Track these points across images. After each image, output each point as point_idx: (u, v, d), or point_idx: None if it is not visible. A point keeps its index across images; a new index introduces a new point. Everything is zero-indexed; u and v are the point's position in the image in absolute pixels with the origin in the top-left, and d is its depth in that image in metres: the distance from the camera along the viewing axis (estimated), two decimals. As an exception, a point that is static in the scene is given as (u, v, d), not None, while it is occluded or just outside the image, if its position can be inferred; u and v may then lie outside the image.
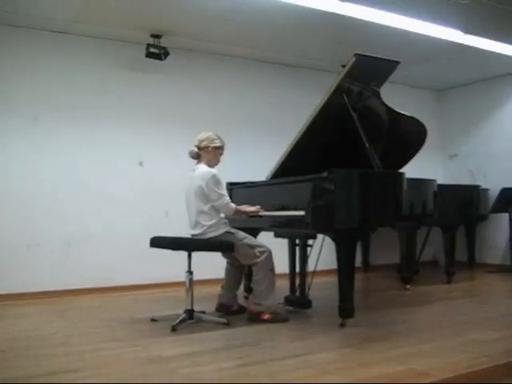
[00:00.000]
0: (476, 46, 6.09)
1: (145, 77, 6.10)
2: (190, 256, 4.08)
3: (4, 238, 5.31)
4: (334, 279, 3.93)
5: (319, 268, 4.55)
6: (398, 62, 4.22)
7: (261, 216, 4.34)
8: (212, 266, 4.86)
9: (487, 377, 2.91)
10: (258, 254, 4.14)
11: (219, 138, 4.33)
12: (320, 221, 3.72)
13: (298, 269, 4.72)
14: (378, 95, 4.39)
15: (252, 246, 4.17)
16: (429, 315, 4.55)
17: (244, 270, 4.66)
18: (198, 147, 4.29)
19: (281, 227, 4.48)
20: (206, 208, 4.13)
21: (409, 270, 5.92)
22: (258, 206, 4.33)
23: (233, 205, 4.20)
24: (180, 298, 4.26)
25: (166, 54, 5.82)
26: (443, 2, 4.98)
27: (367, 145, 4.14)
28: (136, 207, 5.95)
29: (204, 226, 4.13)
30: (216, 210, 4.15)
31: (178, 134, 6.09)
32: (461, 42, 5.93)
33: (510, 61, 6.71)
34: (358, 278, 4.90)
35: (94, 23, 5.51)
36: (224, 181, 4.32)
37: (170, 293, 5.42)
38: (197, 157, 4.32)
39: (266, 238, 4.63)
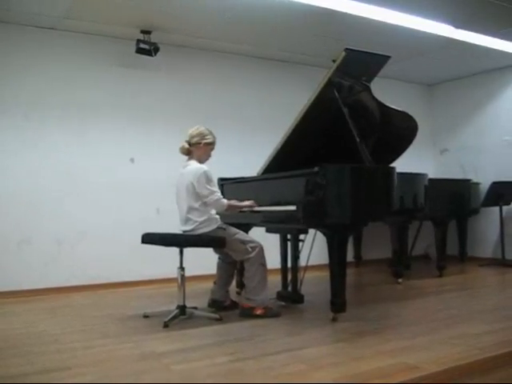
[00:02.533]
0: (467, 40, 6.10)
1: (135, 73, 6.07)
2: (181, 252, 4.08)
3: (-5, 235, 5.30)
4: (326, 274, 3.95)
5: (311, 263, 4.57)
6: (388, 57, 4.23)
7: (255, 211, 4.34)
8: (204, 261, 4.88)
9: (479, 369, 2.93)
10: (249, 249, 4.15)
11: (211, 133, 4.32)
12: (311, 216, 3.73)
13: (289, 264, 4.73)
14: (368, 90, 4.38)
15: (244, 242, 4.18)
16: (421, 309, 4.56)
17: (236, 266, 4.66)
18: (189, 143, 4.27)
19: (272, 222, 4.48)
20: (197, 204, 4.12)
21: (400, 265, 5.94)
22: (252, 201, 4.33)
23: (225, 200, 4.19)
24: (172, 294, 4.27)
25: (156, 49, 5.80)
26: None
27: (358, 139, 4.13)
28: (127, 204, 5.93)
29: (195, 222, 4.12)
30: (207, 206, 4.15)
31: (168, 129, 6.08)
32: (452, 36, 5.94)
33: (500, 55, 6.73)
34: (350, 272, 4.89)
35: (84, 19, 5.47)
36: (215, 177, 4.31)
37: (162, 289, 5.42)
38: (188, 153, 4.30)
39: (257, 234, 4.63)
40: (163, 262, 4.94)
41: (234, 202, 4.29)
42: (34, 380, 2.74)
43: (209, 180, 4.10)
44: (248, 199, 4.35)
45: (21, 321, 4.23)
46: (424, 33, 5.78)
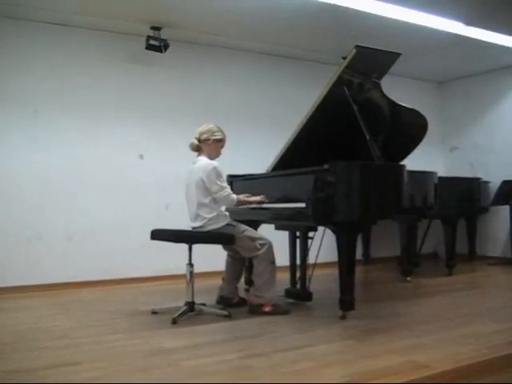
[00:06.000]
0: (477, 37, 6.06)
1: (145, 69, 6.08)
2: (190, 248, 4.08)
3: (5, 230, 5.31)
4: (335, 272, 3.94)
5: (320, 260, 4.55)
6: (399, 54, 4.22)
7: (264, 208, 4.33)
8: (213, 258, 4.87)
9: (488, 368, 2.92)
10: (258, 246, 4.14)
11: (220, 130, 4.32)
12: (320, 213, 3.73)
13: (298, 261, 4.72)
14: (378, 87, 4.38)
15: (253, 239, 4.17)
16: (430, 307, 4.55)
17: (245, 263, 4.66)
18: (199, 140, 4.28)
19: (281, 219, 4.48)
20: (206, 201, 4.12)
21: (409, 263, 5.92)
22: (263, 196, 4.32)
23: (234, 196, 4.19)
24: (181, 290, 4.27)
25: (166, 46, 5.80)
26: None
27: (368, 137, 4.13)
28: (136, 200, 5.94)
29: (205, 218, 4.13)
30: (217, 202, 4.15)
31: (177, 126, 6.08)
32: (462, 33, 5.90)
33: (511, 53, 6.68)
34: (359, 270, 4.91)
35: (94, 15, 5.48)
36: (224, 173, 4.30)
37: (171, 285, 5.42)
38: (197, 149, 4.31)
39: (266, 231, 4.63)
40: (172, 258, 4.95)
41: (243, 198, 4.29)
42: (43, 374, 2.75)
43: (219, 176, 4.10)
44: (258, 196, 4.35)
45: (30, 316, 4.25)
46: (434, 30, 5.75)
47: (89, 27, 5.75)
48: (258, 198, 4.31)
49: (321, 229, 4.43)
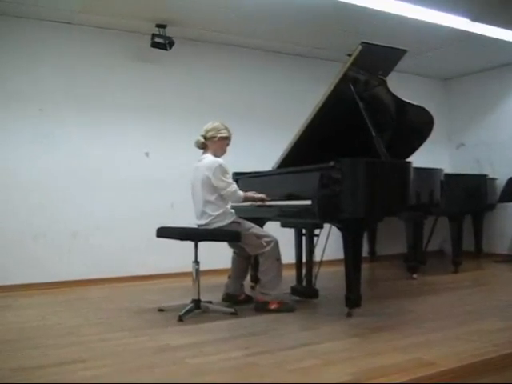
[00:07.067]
0: (484, 33, 6.03)
1: (150, 67, 6.09)
2: (196, 246, 4.08)
3: (10, 228, 5.32)
4: (341, 269, 3.92)
5: (326, 258, 4.55)
6: (405, 51, 4.19)
7: (268, 205, 4.33)
8: (219, 255, 4.87)
9: (494, 366, 2.90)
10: (264, 243, 4.14)
11: (226, 128, 4.32)
12: (326, 210, 3.71)
13: (304, 259, 4.71)
14: (384, 84, 4.35)
15: (258, 236, 4.17)
16: (436, 305, 4.54)
17: (250, 260, 4.66)
18: (205, 137, 4.28)
19: (287, 217, 4.47)
20: (212, 198, 4.12)
21: (416, 260, 5.91)
22: (264, 195, 4.33)
23: (241, 192, 4.20)
24: (187, 288, 4.27)
25: (171, 43, 5.80)
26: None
27: (374, 134, 4.11)
28: (142, 198, 5.94)
29: (211, 216, 4.13)
30: (223, 199, 4.15)
31: (183, 124, 6.08)
32: (468, 29, 5.87)
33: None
34: (365, 267, 4.90)
35: (99, 13, 5.49)
36: (230, 170, 4.30)
37: (177, 283, 5.43)
38: (203, 147, 4.31)
39: (272, 228, 4.62)
40: (178, 255, 4.94)
41: (249, 194, 4.29)
42: (48, 372, 2.75)
43: (224, 172, 4.11)
44: (263, 193, 4.35)
45: (36, 313, 4.26)
46: (440, 26, 5.73)
47: (94, 25, 5.76)
48: (261, 195, 4.31)
49: (327, 226, 4.41)
